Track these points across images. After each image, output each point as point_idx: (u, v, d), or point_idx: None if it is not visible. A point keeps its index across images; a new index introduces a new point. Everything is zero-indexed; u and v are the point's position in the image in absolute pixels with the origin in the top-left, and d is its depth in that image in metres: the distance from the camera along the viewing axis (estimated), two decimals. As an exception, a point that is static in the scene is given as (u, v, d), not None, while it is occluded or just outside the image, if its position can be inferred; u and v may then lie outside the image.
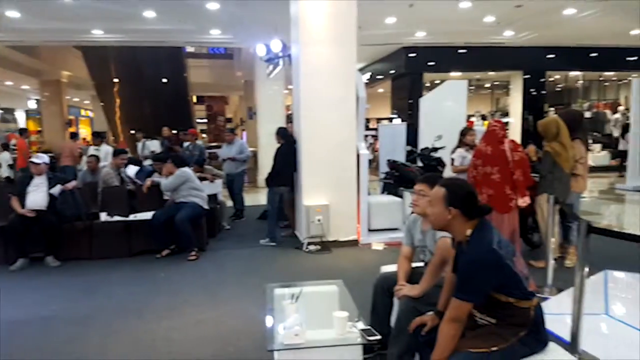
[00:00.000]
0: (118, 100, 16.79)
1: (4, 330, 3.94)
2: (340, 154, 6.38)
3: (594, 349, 3.08)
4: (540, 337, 2.23)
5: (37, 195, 5.85)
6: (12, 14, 9.28)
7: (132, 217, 6.28)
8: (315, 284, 3.62)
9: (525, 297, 2.16)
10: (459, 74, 15.16)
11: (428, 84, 16.12)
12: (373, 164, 12.34)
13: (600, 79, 19.25)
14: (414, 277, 3.03)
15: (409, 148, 8.81)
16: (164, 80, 16.55)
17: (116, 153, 7.47)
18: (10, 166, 12.16)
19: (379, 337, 2.56)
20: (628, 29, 12.00)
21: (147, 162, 8.75)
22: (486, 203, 3.36)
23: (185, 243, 6.01)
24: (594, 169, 12.26)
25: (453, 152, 6.46)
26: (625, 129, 12.84)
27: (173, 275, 5.39)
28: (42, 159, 6.13)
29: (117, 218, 6.23)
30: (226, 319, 4.11)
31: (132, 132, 12.83)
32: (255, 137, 13.49)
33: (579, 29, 11.59)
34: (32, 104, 23.75)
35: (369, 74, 17.39)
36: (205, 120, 24.41)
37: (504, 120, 15.10)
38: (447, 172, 6.80)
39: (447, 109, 9.13)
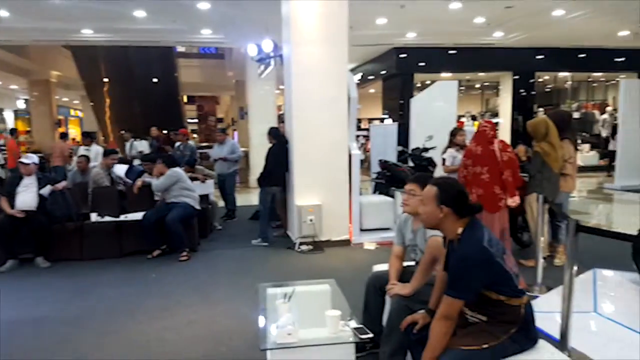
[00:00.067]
0: (108, 100, 16.67)
1: (-6, 331, 3.91)
2: (332, 154, 6.40)
3: (583, 347, 3.12)
4: (530, 334, 2.26)
5: (27, 196, 5.81)
6: (1, 13, 9.20)
7: (122, 217, 6.24)
8: (308, 283, 3.63)
9: (515, 294, 2.19)
10: (449, 74, 15.24)
11: (419, 85, 16.21)
12: (365, 164, 12.37)
13: (589, 79, 19.44)
14: (405, 276, 3.05)
15: (400, 148, 8.84)
16: (155, 80, 16.45)
17: (107, 153, 7.44)
18: (1, 166, 12.05)
19: (371, 335, 2.58)
20: (616, 30, 12.16)
21: (137, 162, 8.71)
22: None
23: (177, 243, 6.00)
24: (582, 169, 12.37)
25: (444, 152, 6.50)
26: (615, 129, 12.97)
27: (165, 276, 5.37)
28: (32, 159, 6.09)
29: (107, 218, 6.20)
30: (218, 319, 4.11)
31: (122, 132, 12.73)
32: (247, 137, 13.47)
33: (568, 30, 11.71)
34: (20, 104, 23.51)
35: (360, 74, 17.43)
36: (196, 120, 24.29)
37: (494, 120, 15.19)
38: (438, 172, 6.85)
39: (438, 110, 9.19)
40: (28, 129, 21.28)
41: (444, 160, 6.39)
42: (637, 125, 10.39)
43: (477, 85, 21.22)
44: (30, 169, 5.94)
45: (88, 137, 9.84)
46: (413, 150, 7.97)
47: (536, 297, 4.26)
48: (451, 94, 9.50)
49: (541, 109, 15.99)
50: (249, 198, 10.67)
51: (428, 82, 14.47)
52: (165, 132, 11.81)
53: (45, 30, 10.60)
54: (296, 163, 6.41)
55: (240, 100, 16.15)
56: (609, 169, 12.79)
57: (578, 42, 13.41)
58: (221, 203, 8.54)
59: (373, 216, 6.91)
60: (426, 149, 7.64)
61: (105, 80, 16.33)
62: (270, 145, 6.75)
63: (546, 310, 3.57)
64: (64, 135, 12.79)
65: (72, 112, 27.78)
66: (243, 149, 9.60)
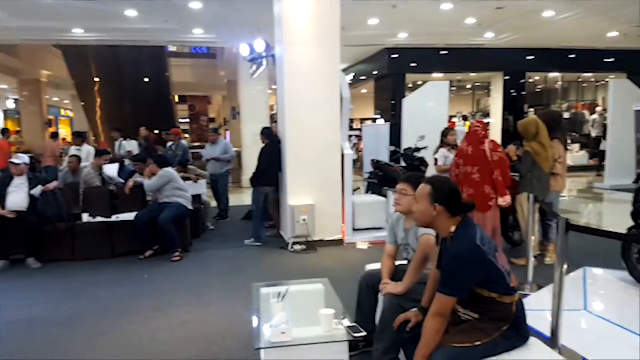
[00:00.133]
0: (99, 100, 16.55)
1: (-15, 333, 3.88)
2: (324, 154, 6.41)
3: (574, 344, 3.17)
4: (521, 332, 2.29)
5: (18, 196, 5.77)
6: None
7: (114, 217, 6.22)
8: (301, 282, 3.64)
9: (507, 292, 2.22)
10: (440, 75, 15.31)
11: (410, 85, 16.28)
12: (357, 164, 12.40)
13: (579, 80, 19.62)
14: (397, 275, 3.07)
15: (393, 148, 8.88)
16: (146, 79, 16.37)
17: (100, 154, 7.40)
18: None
19: (364, 333, 2.59)
20: (605, 31, 12.28)
21: (127, 162, 8.66)
22: (467, 202, 3.42)
23: (169, 244, 5.98)
24: (572, 169, 12.50)
25: (436, 152, 6.55)
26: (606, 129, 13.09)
27: (157, 276, 5.36)
28: (22, 159, 6.05)
29: (99, 219, 6.17)
30: (212, 319, 4.11)
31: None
32: (239, 137, 13.45)
33: (558, 31, 11.81)
34: (10, 104, 23.28)
35: (353, 74, 17.47)
36: (188, 120, 24.21)
37: (485, 121, 15.28)
38: (430, 172, 6.89)
39: (430, 110, 9.25)
40: (18, 129, 21.09)
41: (436, 160, 6.44)
42: (626, 126, 10.50)
43: (469, 86, 21.35)
44: (21, 169, 5.90)
45: (79, 137, 9.77)
46: (405, 150, 8.02)
47: (527, 295, 4.30)
48: (443, 94, 9.57)
49: (532, 109, 16.12)
50: (242, 198, 10.66)
51: (420, 82, 14.57)
52: (157, 132, 11.75)
53: (36, 29, 10.52)
54: (289, 163, 6.41)
55: (233, 100, 16.12)
56: (599, 168, 12.90)
57: (568, 43, 13.52)
58: (214, 203, 8.52)
59: (366, 216, 6.93)
60: (418, 149, 7.69)
61: (96, 80, 16.22)
62: (263, 145, 6.75)
63: (537, 308, 3.62)
64: (55, 135, 12.67)
65: (63, 112, 27.56)
66: (235, 149, 9.59)
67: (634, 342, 3.33)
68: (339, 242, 6.52)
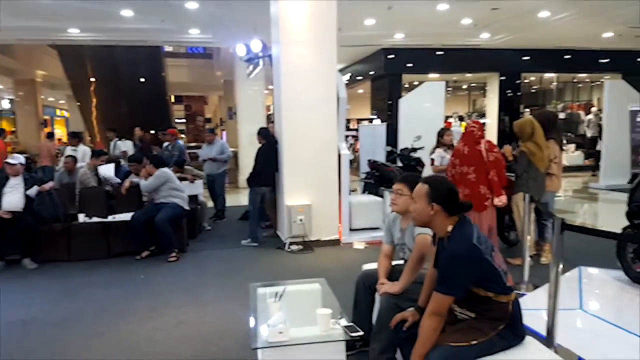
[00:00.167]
0: (95, 100, 16.50)
1: (-19, 333, 3.87)
2: (321, 154, 6.42)
3: (569, 343, 3.18)
4: (517, 331, 2.30)
5: (13, 197, 5.75)
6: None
7: (110, 218, 6.21)
8: (298, 282, 3.65)
9: (503, 291, 2.23)
10: (436, 75, 15.35)
11: (407, 85, 16.29)
12: (354, 164, 12.42)
13: (574, 80, 19.69)
14: (394, 274, 3.08)
15: (389, 148, 8.91)
16: (142, 79, 16.34)
17: (96, 154, 7.37)
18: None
19: (361, 333, 2.60)
20: (600, 32, 12.34)
21: (123, 162, 8.64)
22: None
23: (166, 244, 5.97)
24: (567, 169, 12.54)
25: (432, 152, 6.56)
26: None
27: (153, 276, 5.35)
28: (18, 159, 6.03)
29: (95, 219, 6.15)
30: (209, 319, 4.11)
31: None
32: (236, 138, 13.44)
33: (553, 32, 11.86)
34: (5, 104, 23.19)
35: (349, 74, 17.47)
36: (184, 121, 24.17)
37: (481, 121, 15.33)
38: (426, 172, 6.90)
39: (426, 110, 9.28)
40: (13, 129, 21.00)
41: (432, 160, 6.45)
42: (621, 126, 10.55)
43: (464, 86, 21.39)
44: (17, 169, 5.88)
45: (75, 138, 9.74)
46: (402, 150, 8.04)
47: (523, 294, 4.32)
48: (439, 94, 9.60)
49: (527, 110, 16.17)
50: (238, 198, 10.66)
51: (416, 82, 14.59)
52: (152, 132, 11.71)
53: (31, 29, 10.48)
54: (286, 163, 6.42)
55: (229, 100, 16.10)
56: (595, 168, 12.96)
57: (563, 43, 13.58)
58: (210, 203, 8.52)
59: (362, 216, 6.95)
60: (414, 149, 7.71)
61: (92, 79, 16.18)
62: (259, 145, 6.75)
63: (533, 307, 3.63)
64: (51, 135, 12.63)
65: (58, 112, 27.46)
66: (232, 149, 9.58)
67: (629, 341, 3.36)
68: (335, 242, 6.52)
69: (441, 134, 6.50)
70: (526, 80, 17.95)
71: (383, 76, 14.88)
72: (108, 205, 6.36)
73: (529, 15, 10.39)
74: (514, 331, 2.28)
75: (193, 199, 7.08)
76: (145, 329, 3.92)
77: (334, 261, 5.84)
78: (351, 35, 11.30)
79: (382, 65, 14.44)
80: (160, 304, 4.46)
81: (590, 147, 14.56)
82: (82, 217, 6.15)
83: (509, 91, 15.46)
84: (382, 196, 7.13)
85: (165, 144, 9.25)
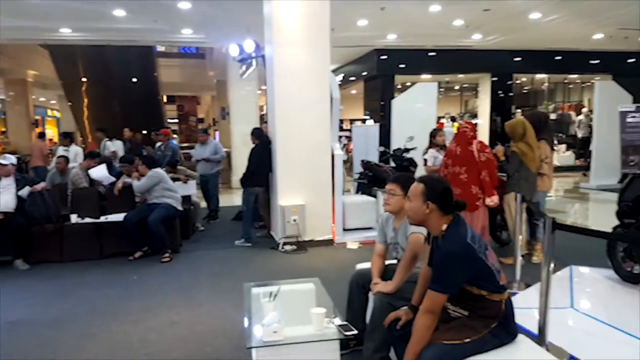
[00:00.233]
0: (86, 100, 16.39)
1: (-28, 335, 3.85)
2: (315, 154, 6.43)
3: (561, 341, 3.22)
4: (509, 329, 2.32)
5: (5, 197, 5.72)
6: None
7: (103, 218, 6.18)
8: (292, 282, 3.65)
9: (497, 290, 2.26)
10: (429, 76, 15.41)
11: (399, 86, 16.34)
12: (347, 164, 12.43)
13: (565, 81, 19.83)
14: (387, 274, 3.10)
15: (382, 149, 8.93)
16: (134, 79, 16.24)
17: (89, 156, 7.31)
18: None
19: (355, 332, 2.62)
20: (590, 33, 12.45)
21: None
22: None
23: (158, 245, 5.96)
24: (558, 169, 12.64)
25: (425, 152, 6.59)
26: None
27: (147, 277, 5.33)
28: (9, 160, 5.99)
29: (87, 220, 6.12)
30: (202, 319, 4.11)
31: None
32: (229, 138, 13.41)
33: (544, 33, 11.95)
34: (-4, 104, 23.00)
35: (342, 75, 17.51)
36: (177, 121, 24.07)
37: (473, 121, 15.40)
38: (419, 172, 6.94)
39: (418, 111, 9.32)
40: (4, 129, 20.84)
41: (425, 160, 6.49)
42: (612, 126, 10.65)
43: (457, 87, 21.49)
44: (8, 170, 5.84)
45: (67, 138, 9.68)
46: (394, 150, 8.07)
47: (515, 293, 4.35)
48: (431, 95, 9.65)
49: (519, 110, 16.27)
50: (232, 199, 10.65)
51: (408, 83, 14.66)
52: (145, 132, 11.66)
53: (23, 29, 10.40)
54: (279, 163, 6.42)
55: (222, 101, 16.06)
56: (587, 168, 13.07)
57: (554, 44, 13.69)
58: (203, 204, 8.50)
59: (356, 216, 6.97)
60: (407, 150, 7.74)
61: (84, 79, 16.06)
62: (253, 145, 6.75)
63: (524, 306, 3.66)
64: (42, 135, 12.55)
65: (49, 112, 27.26)
66: (225, 150, 9.57)
67: (619, 339, 3.40)
68: (329, 242, 6.54)
69: (433, 134, 6.54)
70: (518, 81, 18.07)
71: (376, 77, 14.92)
72: (100, 205, 6.34)
73: (520, 17, 10.47)
74: (507, 329, 2.30)
75: (186, 199, 7.06)
76: (138, 330, 3.91)
77: (327, 261, 5.85)
78: (344, 36, 11.33)
79: (374, 66, 14.47)
80: (153, 305, 4.45)
81: (581, 147, 14.68)
82: (74, 218, 6.12)
83: (501, 92, 15.55)
84: (375, 196, 7.16)
85: (158, 144, 9.22)
